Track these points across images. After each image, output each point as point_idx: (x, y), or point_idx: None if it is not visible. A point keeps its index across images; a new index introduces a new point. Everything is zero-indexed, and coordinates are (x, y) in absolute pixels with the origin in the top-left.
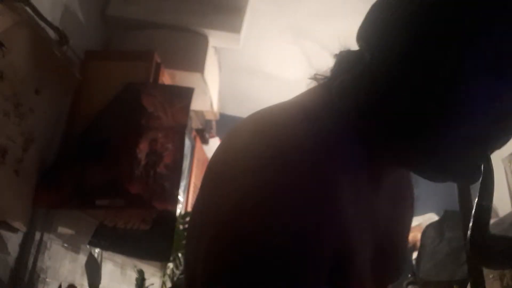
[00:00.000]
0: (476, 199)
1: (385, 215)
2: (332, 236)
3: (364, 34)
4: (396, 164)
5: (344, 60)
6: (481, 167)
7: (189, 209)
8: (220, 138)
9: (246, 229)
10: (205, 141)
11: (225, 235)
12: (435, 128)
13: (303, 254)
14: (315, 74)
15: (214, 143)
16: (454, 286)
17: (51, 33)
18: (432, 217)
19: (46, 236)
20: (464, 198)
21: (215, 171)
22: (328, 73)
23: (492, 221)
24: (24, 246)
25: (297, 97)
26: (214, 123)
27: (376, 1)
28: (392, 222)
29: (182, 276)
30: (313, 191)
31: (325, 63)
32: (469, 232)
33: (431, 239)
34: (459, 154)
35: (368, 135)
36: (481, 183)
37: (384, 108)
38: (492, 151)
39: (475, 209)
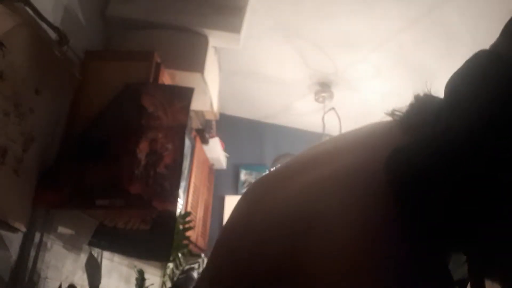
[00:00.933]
0: None
1: None
2: None
3: (450, 87)
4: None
5: (422, 111)
6: None
7: (189, 209)
8: (220, 138)
9: None
10: (205, 141)
11: None
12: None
13: None
14: (393, 111)
15: (214, 143)
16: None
17: (51, 33)
18: None
19: (46, 236)
20: None
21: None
22: (404, 112)
23: None
24: (24, 246)
25: (372, 145)
26: (214, 123)
27: (477, 57)
28: None
29: (182, 276)
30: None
31: (323, 65)
32: None
33: None
34: None
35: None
36: None
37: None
38: None
39: None
